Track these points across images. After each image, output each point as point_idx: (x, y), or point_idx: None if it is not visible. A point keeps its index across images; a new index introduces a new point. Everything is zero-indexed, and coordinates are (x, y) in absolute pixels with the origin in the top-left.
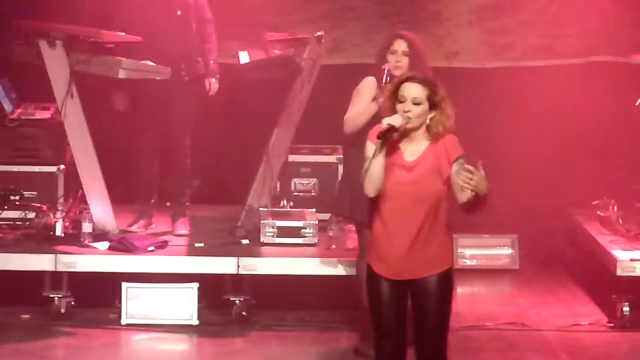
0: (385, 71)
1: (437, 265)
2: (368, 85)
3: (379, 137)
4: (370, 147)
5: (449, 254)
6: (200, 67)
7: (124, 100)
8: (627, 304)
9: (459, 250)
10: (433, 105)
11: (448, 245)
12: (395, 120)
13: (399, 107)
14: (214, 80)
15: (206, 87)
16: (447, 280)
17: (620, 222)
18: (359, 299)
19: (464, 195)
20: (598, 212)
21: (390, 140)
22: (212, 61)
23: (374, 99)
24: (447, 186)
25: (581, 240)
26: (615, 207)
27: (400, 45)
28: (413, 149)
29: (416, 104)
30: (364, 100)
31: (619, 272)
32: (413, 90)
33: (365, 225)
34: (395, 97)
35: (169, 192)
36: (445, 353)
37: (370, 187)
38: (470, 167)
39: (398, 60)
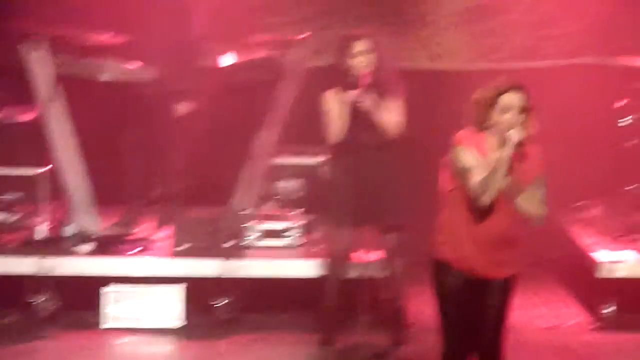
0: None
1: (513, 266)
2: (331, 100)
3: (516, 160)
4: (465, 153)
5: (522, 257)
6: None
7: None
8: (609, 305)
9: None
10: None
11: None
12: (520, 134)
13: (506, 117)
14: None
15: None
16: (515, 282)
17: (603, 224)
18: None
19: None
20: (581, 214)
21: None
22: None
23: (357, 103)
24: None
25: (564, 242)
26: (598, 209)
27: (361, 46)
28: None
29: (522, 112)
30: (335, 113)
31: (599, 275)
32: (519, 99)
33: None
34: (492, 107)
35: (154, 197)
36: (501, 350)
37: (489, 198)
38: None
39: (363, 60)
